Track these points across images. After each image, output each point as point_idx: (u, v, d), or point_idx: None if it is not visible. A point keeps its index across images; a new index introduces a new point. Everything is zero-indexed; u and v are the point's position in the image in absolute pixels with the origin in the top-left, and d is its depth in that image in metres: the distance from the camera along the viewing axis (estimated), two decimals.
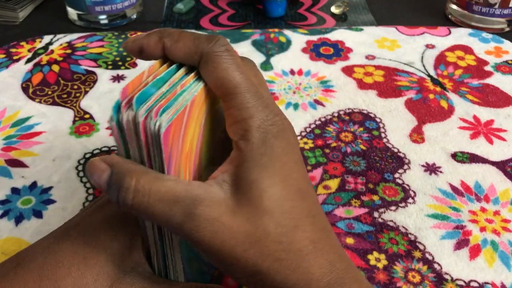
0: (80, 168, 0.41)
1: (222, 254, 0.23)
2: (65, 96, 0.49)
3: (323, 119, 0.46)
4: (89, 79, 0.52)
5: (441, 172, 0.41)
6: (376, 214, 0.37)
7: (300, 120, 0.46)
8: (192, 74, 0.25)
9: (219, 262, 0.24)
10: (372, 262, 0.34)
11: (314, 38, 0.59)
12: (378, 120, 0.46)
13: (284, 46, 0.57)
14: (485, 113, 0.47)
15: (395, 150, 0.43)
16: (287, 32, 0.60)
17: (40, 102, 0.48)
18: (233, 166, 0.24)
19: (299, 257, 0.23)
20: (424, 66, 0.54)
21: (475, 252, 0.35)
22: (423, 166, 0.42)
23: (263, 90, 0.26)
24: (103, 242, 0.26)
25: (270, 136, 0.24)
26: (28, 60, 0.54)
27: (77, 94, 0.49)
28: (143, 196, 0.22)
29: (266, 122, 0.24)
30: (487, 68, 0.54)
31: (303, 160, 0.26)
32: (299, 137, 0.44)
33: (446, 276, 0.33)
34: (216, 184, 0.24)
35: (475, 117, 0.47)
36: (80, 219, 0.28)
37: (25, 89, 0.50)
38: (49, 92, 0.50)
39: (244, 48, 0.56)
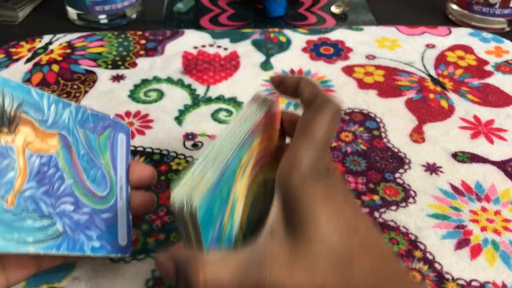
0: None
1: None
2: (64, 96, 0.49)
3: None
4: (89, 79, 0.52)
5: (441, 172, 0.41)
6: (376, 214, 0.37)
7: None
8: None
9: None
10: None
11: (314, 37, 0.58)
12: (378, 120, 0.46)
13: (284, 46, 0.57)
14: (485, 113, 0.47)
15: (396, 150, 0.43)
16: (287, 31, 0.60)
17: None
18: (281, 213, 0.25)
19: None
20: (424, 65, 0.54)
21: (476, 251, 0.35)
22: (423, 166, 0.42)
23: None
24: None
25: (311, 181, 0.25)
26: (28, 60, 0.54)
27: (77, 94, 0.49)
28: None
29: (312, 166, 0.25)
30: (488, 68, 0.54)
31: (349, 190, 0.27)
32: None
33: (447, 276, 0.33)
34: (269, 236, 0.25)
35: (475, 117, 0.47)
36: None
37: None
38: (49, 92, 0.50)
39: (244, 48, 0.56)
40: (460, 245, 0.35)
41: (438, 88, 0.50)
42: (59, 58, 0.54)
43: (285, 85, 0.29)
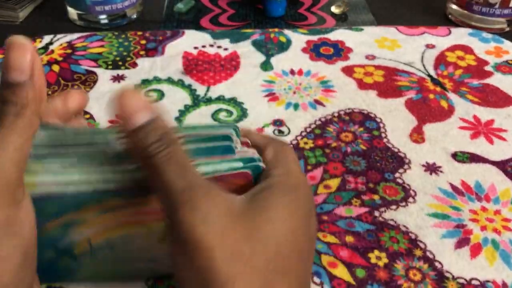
0: None
1: (201, 260, 0.21)
2: None
3: (323, 119, 0.46)
4: (90, 79, 0.52)
5: (441, 172, 0.41)
6: (376, 213, 0.37)
7: (300, 120, 0.46)
8: None
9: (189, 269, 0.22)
10: (373, 260, 0.34)
11: (314, 38, 0.59)
12: (378, 120, 0.46)
13: (284, 46, 0.57)
14: (485, 113, 0.47)
15: (396, 150, 0.43)
16: (287, 32, 0.60)
17: None
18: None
19: None
20: (424, 66, 0.54)
21: (476, 250, 0.35)
22: (423, 166, 0.42)
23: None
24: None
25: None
26: None
27: None
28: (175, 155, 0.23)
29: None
30: (487, 68, 0.54)
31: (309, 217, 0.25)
32: (299, 137, 0.44)
33: (447, 275, 0.33)
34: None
35: (475, 117, 0.47)
36: None
37: None
38: (49, 92, 0.50)
39: (244, 48, 0.56)
40: (460, 244, 0.35)
41: (438, 88, 0.51)
42: (60, 58, 0.55)
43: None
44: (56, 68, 0.53)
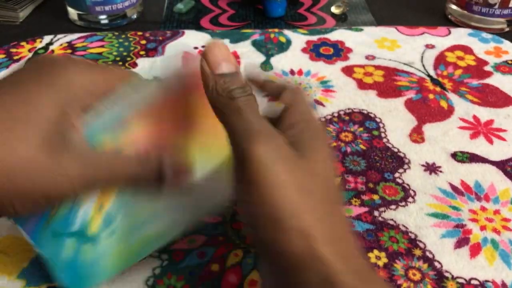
0: None
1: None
2: None
3: (323, 119, 0.46)
4: None
5: (441, 171, 0.41)
6: (376, 213, 0.37)
7: None
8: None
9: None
10: (373, 260, 0.34)
11: (314, 38, 0.59)
12: (378, 120, 0.47)
13: (284, 46, 0.57)
14: (485, 113, 0.47)
15: (395, 150, 0.43)
16: (287, 32, 0.60)
17: None
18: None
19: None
20: (424, 66, 0.54)
21: (475, 250, 0.35)
22: (423, 165, 0.42)
23: None
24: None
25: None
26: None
27: None
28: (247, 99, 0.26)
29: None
30: (487, 68, 0.54)
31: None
32: None
33: (447, 274, 0.33)
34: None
35: (474, 117, 0.47)
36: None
37: None
38: None
39: (244, 48, 0.57)
40: (460, 244, 0.35)
41: (438, 89, 0.51)
42: None
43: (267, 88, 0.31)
44: None
